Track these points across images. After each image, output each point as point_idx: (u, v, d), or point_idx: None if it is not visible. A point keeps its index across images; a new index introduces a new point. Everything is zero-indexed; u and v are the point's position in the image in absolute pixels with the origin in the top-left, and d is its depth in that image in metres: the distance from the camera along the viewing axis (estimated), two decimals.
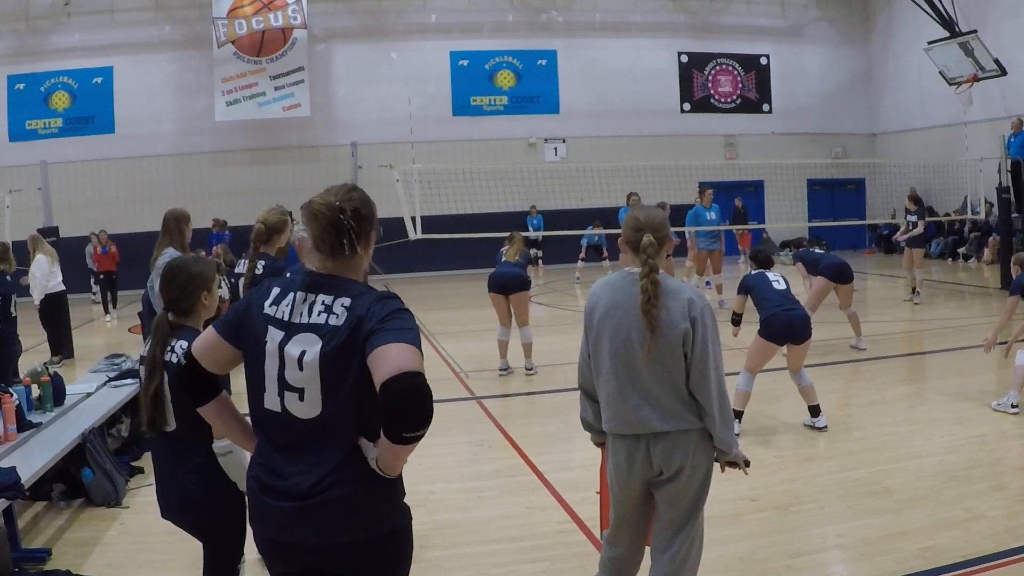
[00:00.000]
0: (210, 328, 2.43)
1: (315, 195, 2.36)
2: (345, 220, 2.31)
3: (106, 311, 14.95)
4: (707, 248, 13.23)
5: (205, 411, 2.47)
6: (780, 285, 6.51)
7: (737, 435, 5.72)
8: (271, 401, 2.29)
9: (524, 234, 9.91)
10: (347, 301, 2.26)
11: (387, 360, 2.08)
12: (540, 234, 18.86)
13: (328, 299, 2.28)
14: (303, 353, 2.23)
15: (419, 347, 2.17)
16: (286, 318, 2.30)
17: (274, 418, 2.30)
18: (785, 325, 6.31)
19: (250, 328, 2.34)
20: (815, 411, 6.47)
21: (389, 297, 2.30)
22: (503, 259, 9.01)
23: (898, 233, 13.37)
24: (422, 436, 2.11)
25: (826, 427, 6.42)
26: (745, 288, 6.67)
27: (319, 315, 2.26)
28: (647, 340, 3.01)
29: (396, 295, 2.34)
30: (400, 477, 2.34)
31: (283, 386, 2.26)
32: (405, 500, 2.40)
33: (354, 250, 2.35)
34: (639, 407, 3.07)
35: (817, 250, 10.20)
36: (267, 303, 2.34)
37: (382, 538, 2.30)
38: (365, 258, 2.43)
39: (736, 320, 7.02)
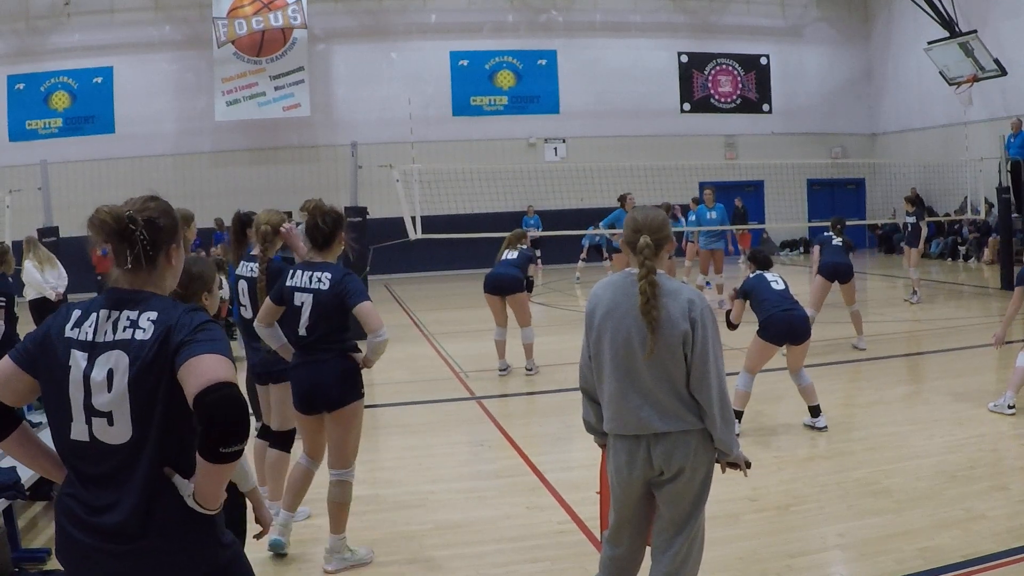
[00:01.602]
0: (5, 358, 2.24)
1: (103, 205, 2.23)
2: (137, 231, 2.17)
3: None
4: (708, 247, 13.23)
5: (5, 446, 2.25)
6: (779, 285, 6.49)
7: (737, 435, 5.72)
8: (78, 431, 2.13)
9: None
10: (153, 315, 2.14)
11: (200, 371, 1.99)
12: (538, 234, 18.84)
13: (133, 314, 2.15)
14: (110, 372, 2.09)
15: (231, 359, 2.08)
16: (90, 339, 2.14)
17: (82, 449, 2.14)
18: (784, 325, 6.30)
19: (51, 355, 2.17)
20: (815, 411, 6.47)
21: (197, 310, 2.20)
22: (503, 257, 8.95)
23: (916, 241, 13.05)
24: (239, 453, 2.00)
25: (826, 427, 6.42)
26: (744, 292, 6.58)
27: (124, 331, 2.13)
28: (648, 341, 3.01)
29: (204, 309, 2.23)
30: (220, 514, 2.22)
31: (90, 412, 2.10)
32: (230, 533, 2.32)
33: (152, 264, 2.23)
34: (640, 408, 3.07)
35: (836, 241, 9.89)
36: (68, 326, 2.18)
37: None
38: (169, 273, 2.30)
39: (731, 326, 6.92)
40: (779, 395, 7.44)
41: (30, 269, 10.37)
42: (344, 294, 4.12)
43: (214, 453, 1.97)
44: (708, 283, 13.39)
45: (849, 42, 23.71)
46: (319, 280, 4.18)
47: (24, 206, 14.56)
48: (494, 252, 9.37)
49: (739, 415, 6.31)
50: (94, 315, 2.18)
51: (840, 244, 9.75)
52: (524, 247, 9.14)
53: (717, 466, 3.21)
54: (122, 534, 2.09)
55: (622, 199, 13.19)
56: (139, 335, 2.11)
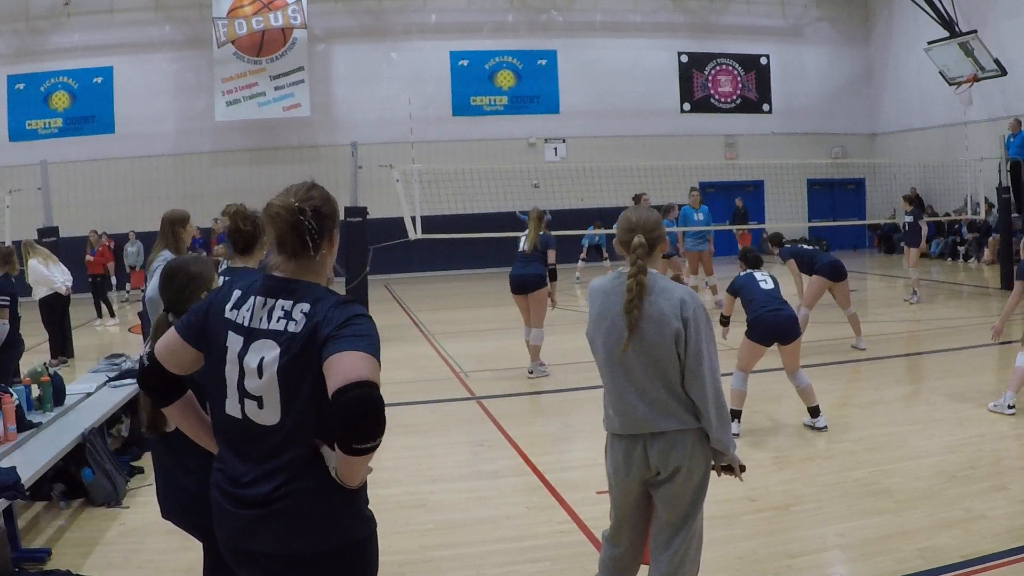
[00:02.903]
0: (171, 330, 2.41)
1: (273, 197, 2.33)
2: (306, 220, 2.27)
3: (99, 315, 14.82)
4: (695, 249, 13.20)
5: (169, 411, 2.45)
6: (768, 285, 6.49)
7: (736, 435, 5.69)
8: (232, 407, 2.27)
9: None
10: (306, 307, 2.22)
11: (340, 369, 2.05)
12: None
13: (287, 304, 2.24)
14: (261, 360, 2.20)
15: (375, 354, 2.13)
16: (246, 324, 2.26)
17: (235, 424, 2.28)
18: (771, 326, 6.30)
19: (212, 332, 2.31)
20: (814, 412, 6.47)
21: (349, 302, 2.25)
22: (522, 248, 8.72)
23: (915, 240, 13.08)
24: (375, 447, 2.07)
25: (826, 427, 6.42)
26: (734, 289, 6.68)
27: (278, 321, 2.22)
28: (624, 339, 3.03)
29: (357, 300, 2.29)
30: (363, 486, 2.30)
31: (243, 394, 2.24)
32: (370, 508, 2.37)
33: (317, 250, 2.30)
34: (636, 407, 3.09)
35: (806, 247, 10.00)
36: (228, 307, 2.31)
37: (342, 549, 2.25)
38: (329, 258, 2.38)
39: (724, 321, 6.99)
40: (778, 395, 7.44)
41: (37, 267, 10.40)
42: None
43: (348, 448, 2.06)
44: (706, 283, 13.36)
45: (849, 42, 23.69)
46: None
47: (24, 206, 14.54)
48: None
49: (737, 414, 6.32)
50: (251, 299, 2.29)
51: (815, 248, 9.83)
52: (542, 233, 8.73)
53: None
54: (266, 502, 2.21)
55: (636, 199, 13.09)
56: (291, 327, 2.20)
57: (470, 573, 4.28)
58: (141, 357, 2.92)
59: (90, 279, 14.93)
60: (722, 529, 4.50)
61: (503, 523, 4.91)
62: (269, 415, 2.21)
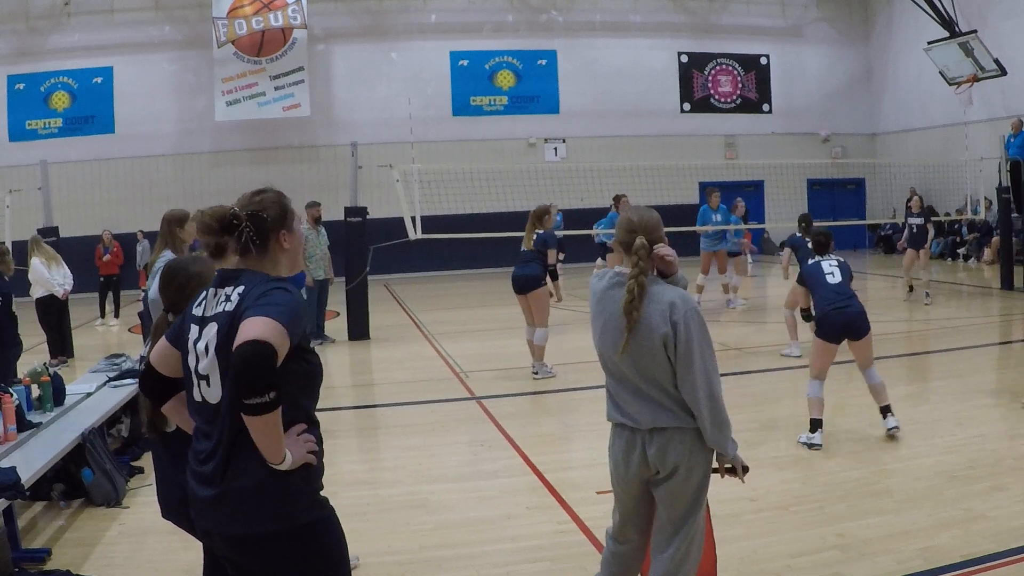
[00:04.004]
0: (163, 337, 2.65)
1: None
2: (241, 225, 2.46)
3: (102, 315, 14.81)
4: (711, 249, 13.21)
5: (166, 409, 2.70)
6: (835, 279, 6.33)
7: (819, 446, 5.50)
8: (195, 392, 2.48)
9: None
10: (241, 288, 2.42)
11: (241, 331, 2.23)
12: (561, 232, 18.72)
13: (229, 290, 2.45)
14: (208, 341, 2.42)
15: (282, 319, 2.25)
16: (201, 314, 2.50)
17: (198, 407, 2.49)
18: (840, 324, 6.14)
19: (183, 330, 2.55)
20: (884, 411, 6.22)
21: (276, 280, 2.45)
22: (523, 248, 8.69)
23: (924, 242, 13.01)
24: (266, 406, 2.17)
25: (898, 427, 6.17)
26: (802, 279, 6.61)
27: (220, 304, 2.45)
28: (622, 340, 3.03)
29: (288, 281, 2.46)
30: (305, 472, 2.39)
31: (199, 377, 2.45)
32: (322, 494, 2.49)
33: (262, 250, 2.50)
34: (630, 403, 3.11)
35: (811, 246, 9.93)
36: (195, 305, 2.55)
37: (292, 532, 2.36)
38: (283, 256, 2.55)
39: (807, 316, 6.87)
40: (779, 395, 7.44)
41: (38, 266, 10.35)
42: None
43: (241, 404, 2.19)
44: (703, 278, 13.33)
45: (849, 42, 23.70)
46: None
47: (24, 206, 14.55)
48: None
49: (817, 423, 6.05)
50: (209, 294, 2.52)
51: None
52: (540, 231, 8.57)
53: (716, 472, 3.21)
54: (211, 481, 2.38)
55: (616, 200, 13.05)
56: (227, 307, 2.42)
57: (470, 573, 4.27)
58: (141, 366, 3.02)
59: (102, 279, 14.89)
60: (722, 529, 4.47)
61: (503, 523, 4.91)
62: (215, 392, 2.40)
